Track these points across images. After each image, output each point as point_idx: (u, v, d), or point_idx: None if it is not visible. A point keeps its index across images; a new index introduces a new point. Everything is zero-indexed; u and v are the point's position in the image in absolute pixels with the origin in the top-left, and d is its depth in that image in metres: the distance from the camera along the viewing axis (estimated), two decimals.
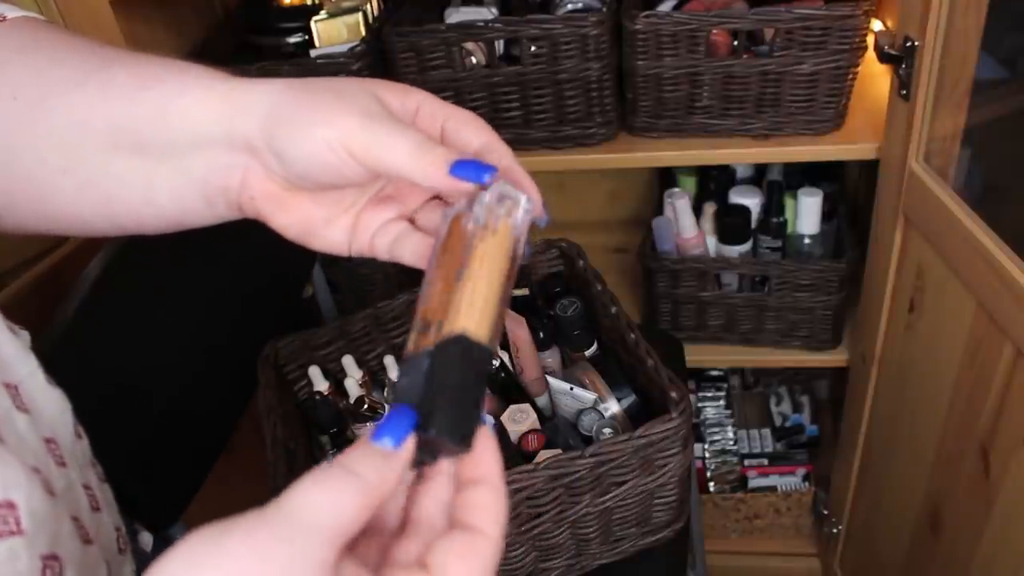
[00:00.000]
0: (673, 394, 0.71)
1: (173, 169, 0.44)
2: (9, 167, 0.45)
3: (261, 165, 0.42)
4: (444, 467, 0.35)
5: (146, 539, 0.68)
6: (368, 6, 1.17)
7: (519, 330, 0.84)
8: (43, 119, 0.44)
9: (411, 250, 0.43)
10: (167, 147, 0.43)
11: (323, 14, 1.16)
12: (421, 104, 0.45)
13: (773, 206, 1.16)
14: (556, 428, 0.77)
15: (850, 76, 1.02)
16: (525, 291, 0.92)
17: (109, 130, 0.44)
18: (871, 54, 0.95)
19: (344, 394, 0.85)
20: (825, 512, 1.40)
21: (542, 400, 0.85)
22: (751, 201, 1.19)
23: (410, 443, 0.33)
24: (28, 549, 0.39)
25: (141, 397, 0.79)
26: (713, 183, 1.27)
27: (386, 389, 0.88)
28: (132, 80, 0.44)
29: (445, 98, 1.15)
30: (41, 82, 0.45)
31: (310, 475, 0.31)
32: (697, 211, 1.23)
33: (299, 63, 1.07)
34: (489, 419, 0.80)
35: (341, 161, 0.39)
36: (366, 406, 0.82)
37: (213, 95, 0.42)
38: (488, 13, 1.16)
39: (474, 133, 0.44)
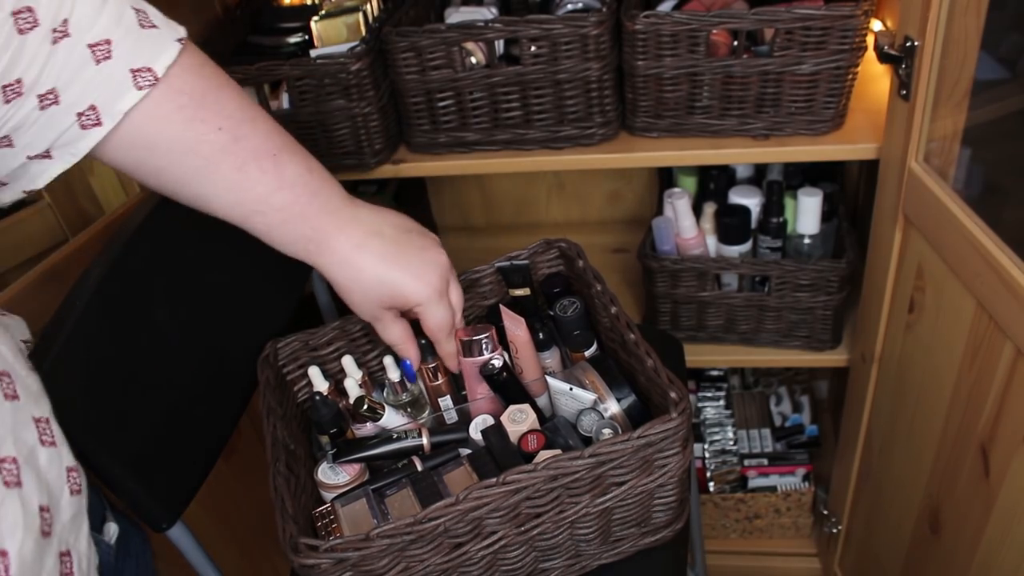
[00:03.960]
0: (673, 394, 0.71)
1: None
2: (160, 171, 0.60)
3: None
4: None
5: (111, 530, 0.68)
6: (368, 6, 1.17)
7: (518, 330, 0.84)
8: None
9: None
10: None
11: (323, 14, 1.16)
12: (414, 307, 0.73)
13: (773, 206, 1.16)
14: (556, 428, 0.77)
15: (850, 76, 1.02)
16: (526, 291, 0.92)
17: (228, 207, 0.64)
18: (871, 54, 0.95)
19: (344, 394, 0.85)
20: (825, 512, 1.40)
21: (541, 400, 0.85)
22: (751, 201, 1.19)
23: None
24: None
25: (141, 397, 0.79)
26: (713, 183, 1.27)
27: (386, 389, 0.88)
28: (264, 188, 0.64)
29: (445, 98, 1.15)
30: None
31: None
32: (697, 211, 1.23)
33: (299, 63, 1.07)
34: (489, 419, 0.80)
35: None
36: (366, 406, 0.81)
37: (307, 259, 0.68)
38: (488, 13, 1.16)
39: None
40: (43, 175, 0.55)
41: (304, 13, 1.23)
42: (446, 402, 0.86)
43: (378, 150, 1.14)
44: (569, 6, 1.10)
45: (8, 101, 0.49)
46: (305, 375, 0.90)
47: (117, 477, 0.73)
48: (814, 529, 1.50)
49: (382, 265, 0.68)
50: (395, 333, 0.74)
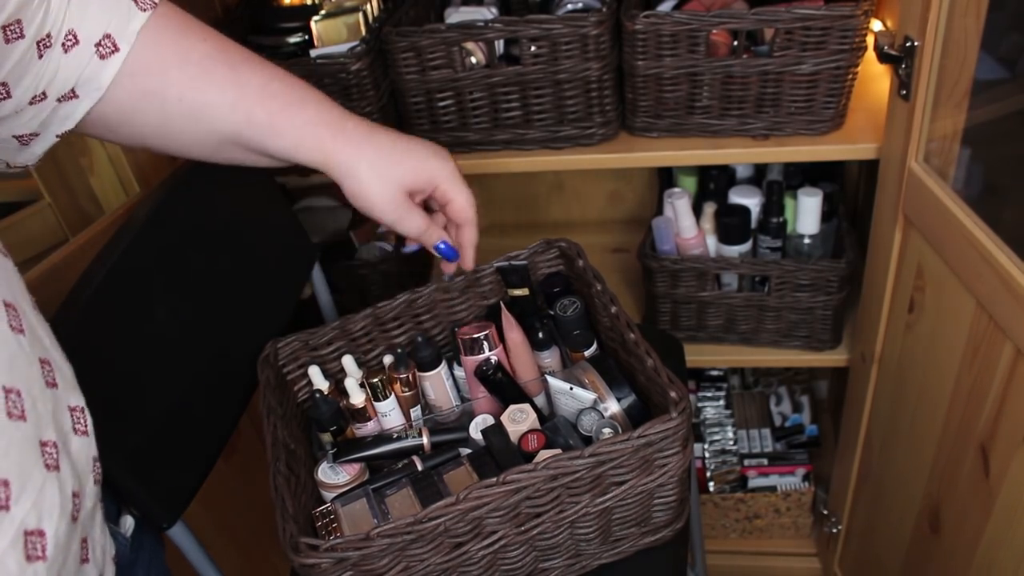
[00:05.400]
0: (673, 394, 0.71)
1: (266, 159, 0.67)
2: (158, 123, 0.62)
3: None
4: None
5: (127, 523, 0.69)
6: (368, 6, 1.17)
7: (511, 332, 0.84)
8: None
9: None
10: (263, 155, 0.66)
11: (323, 14, 1.16)
12: (439, 185, 0.71)
13: (773, 206, 1.16)
14: (556, 428, 0.77)
15: (850, 76, 1.02)
16: (524, 291, 0.92)
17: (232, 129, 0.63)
18: (871, 54, 0.95)
19: (344, 394, 0.85)
20: (825, 512, 1.40)
21: (538, 401, 0.85)
22: (751, 201, 1.19)
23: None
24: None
25: (141, 397, 0.79)
26: (713, 183, 1.27)
27: None
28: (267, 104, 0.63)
29: (445, 98, 1.15)
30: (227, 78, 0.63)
31: None
32: (697, 211, 1.23)
33: (299, 63, 1.07)
34: (489, 419, 0.80)
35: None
36: (378, 379, 0.82)
37: (317, 153, 0.65)
38: (488, 13, 1.16)
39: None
40: (73, 115, 0.60)
41: (304, 13, 1.23)
42: (416, 412, 0.86)
43: None
44: (569, 6, 1.10)
45: (41, 56, 0.55)
46: (305, 375, 0.90)
47: (117, 477, 0.73)
48: (814, 529, 1.50)
49: (400, 143, 0.68)
50: (418, 222, 0.71)
